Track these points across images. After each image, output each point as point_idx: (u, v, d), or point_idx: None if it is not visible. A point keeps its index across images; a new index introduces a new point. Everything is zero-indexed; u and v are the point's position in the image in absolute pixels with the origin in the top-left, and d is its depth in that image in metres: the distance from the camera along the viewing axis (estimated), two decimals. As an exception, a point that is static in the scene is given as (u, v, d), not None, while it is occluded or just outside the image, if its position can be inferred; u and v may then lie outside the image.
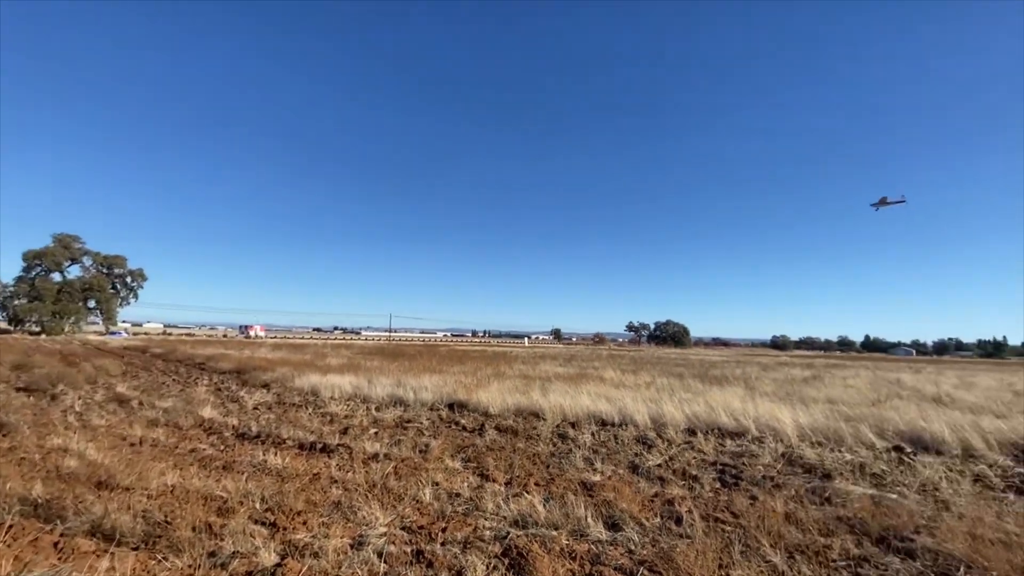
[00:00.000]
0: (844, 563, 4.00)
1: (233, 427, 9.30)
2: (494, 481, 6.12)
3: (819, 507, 5.40)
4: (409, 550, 4.06)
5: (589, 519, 4.70)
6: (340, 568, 3.75)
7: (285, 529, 4.44)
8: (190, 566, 3.72)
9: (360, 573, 3.69)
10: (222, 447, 7.80)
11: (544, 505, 5.09)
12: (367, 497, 5.29)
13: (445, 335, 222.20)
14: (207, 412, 10.39)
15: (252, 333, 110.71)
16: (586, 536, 4.44)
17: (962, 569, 3.80)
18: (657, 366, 30.37)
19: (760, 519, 4.77)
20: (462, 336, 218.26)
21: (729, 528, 4.68)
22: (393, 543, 4.17)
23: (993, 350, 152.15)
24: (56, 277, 66.04)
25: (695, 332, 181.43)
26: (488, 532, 4.49)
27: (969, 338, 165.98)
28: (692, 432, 9.37)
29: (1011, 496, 5.99)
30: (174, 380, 17.57)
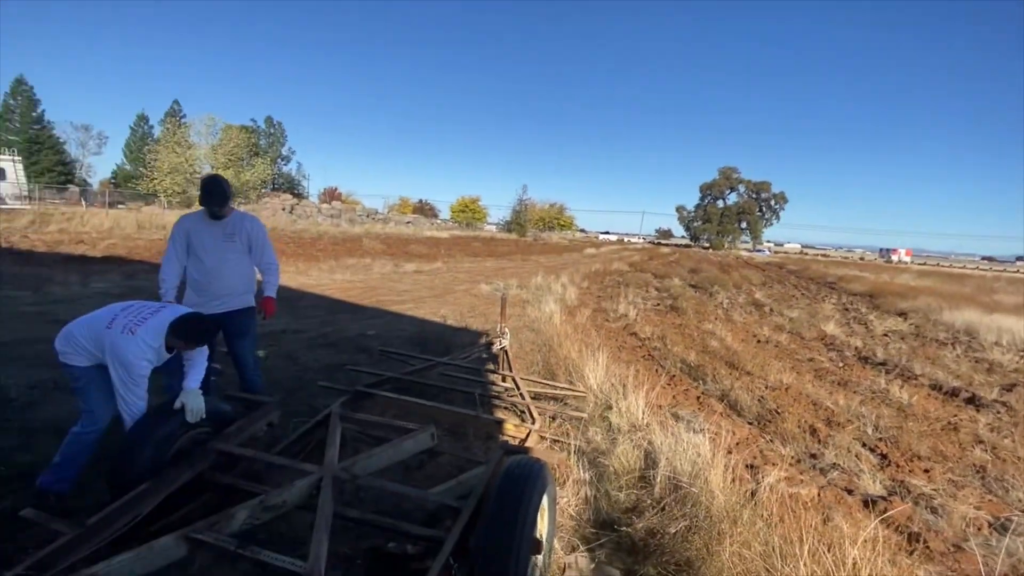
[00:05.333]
0: None
1: (855, 348, 8.81)
2: None
3: None
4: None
5: None
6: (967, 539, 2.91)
7: (898, 467, 3.88)
8: (792, 458, 3.95)
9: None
10: (840, 364, 7.59)
11: None
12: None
13: None
14: (830, 328, 10.32)
15: (895, 257, 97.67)
16: None
17: None
18: None
19: None
20: None
21: None
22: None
23: None
24: (720, 204, 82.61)
25: None
26: None
27: None
28: None
29: None
30: (803, 294, 18.44)
